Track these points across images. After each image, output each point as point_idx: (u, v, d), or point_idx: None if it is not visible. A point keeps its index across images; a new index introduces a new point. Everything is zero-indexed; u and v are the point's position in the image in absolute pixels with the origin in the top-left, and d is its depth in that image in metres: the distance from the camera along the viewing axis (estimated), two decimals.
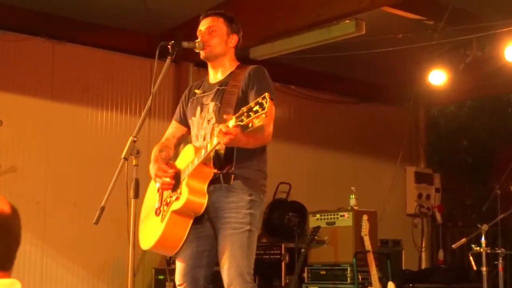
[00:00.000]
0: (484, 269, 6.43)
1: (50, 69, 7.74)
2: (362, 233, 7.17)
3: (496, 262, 6.57)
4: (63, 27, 7.75)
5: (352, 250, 7.31)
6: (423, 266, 10.33)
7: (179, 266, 3.98)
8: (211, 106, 3.99)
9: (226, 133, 3.47)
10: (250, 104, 3.38)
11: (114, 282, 7.85)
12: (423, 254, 10.51)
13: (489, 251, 6.41)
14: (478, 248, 6.40)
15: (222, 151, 3.84)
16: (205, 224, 3.91)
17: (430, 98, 10.42)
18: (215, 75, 4.11)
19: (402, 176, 10.44)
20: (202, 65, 7.92)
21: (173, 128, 4.26)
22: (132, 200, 3.49)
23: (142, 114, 3.74)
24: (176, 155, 4.22)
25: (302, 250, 7.28)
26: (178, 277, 3.98)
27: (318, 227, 7.44)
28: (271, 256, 7.80)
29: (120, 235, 6.99)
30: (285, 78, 9.06)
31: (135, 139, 3.54)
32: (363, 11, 6.94)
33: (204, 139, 3.95)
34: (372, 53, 7.75)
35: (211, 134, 3.88)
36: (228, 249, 3.80)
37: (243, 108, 3.40)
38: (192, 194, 3.77)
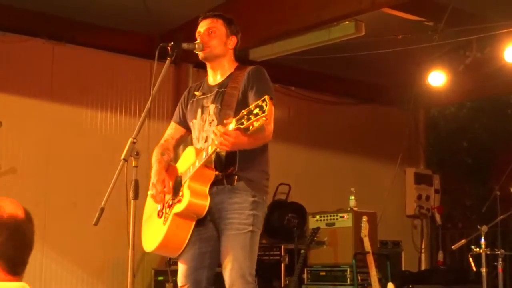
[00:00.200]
0: (483, 270, 6.44)
1: (50, 70, 7.74)
2: (362, 234, 7.18)
3: (495, 263, 6.57)
4: (63, 28, 7.75)
5: (352, 251, 7.32)
6: (423, 267, 10.33)
7: (182, 268, 3.99)
8: (211, 108, 4.00)
9: (226, 139, 3.49)
10: (250, 107, 3.39)
11: (114, 283, 7.85)
12: (423, 255, 10.51)
13: (488, 252, 6.42)
14: (477, 249, 6.41)
15: (223, 153, 3.85)
16: (207, 226, 3.92)
17: (430, 99, 10.41)
18: (214, 77, 4.12)
19: (401, 177, 10.44)
20: (201, 66, 7.90)
21: (172, 130, 4.27)
22: (132, 201, 3.49)
23: (142, 115, 3.75)
24: (175, 156, 4.23)
25: (302, 251, 7.28)
26: (180, 279, 3.99)
27: (318, 228, 7.44)
28: (271, 257, 7.80)
29: (119, 236, 6.98)
30: (285, 79, 9.07)
31: (134, 140, 3.55)
32: (363, 12, 6.94)
33: (205, 141, 3.96)
34: (372, 54, 7.75)
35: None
36: (231, 250, 3.81)
37: (243, 111, 3.41)
38: (194, 196, 3.77)
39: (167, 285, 7.58)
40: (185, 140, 4.31)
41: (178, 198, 3.85)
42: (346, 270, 7.40)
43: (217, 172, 3.85)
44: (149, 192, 3.98)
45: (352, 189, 7.69)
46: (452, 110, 13.86)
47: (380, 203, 8.79)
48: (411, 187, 10.53)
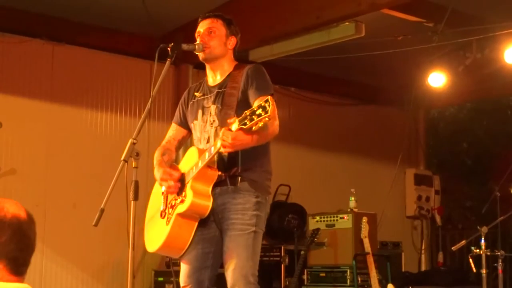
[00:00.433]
0: (483, 271, 6.43)
1: (50, 71, 7.74)
2: (362, 235, 7.18)
3: (495, 264, 6.56)
4: (63, 29, 7.75)
5: (352, 252, 7.32)
6: (423, 268, 10.33)
7: (184, 268, 3.99)
8: (212, 108, 4.01)
9: (227, 140, 3.51)
10: (253, 107, 3.41)
11: (114, 284, 7.84)
12: (423, 256, 10.51)
13: (488, 253, 6.41)
14: (477, 250, 6.40)
15: (226, 154, 3.85)
16: (210, 226, 3.93)
17: (430, 100, 10.42)
18: (214, 77, 4.12)
19: (401, 178, 10.44)
20: (201, 67, 7.89)
21: (174, 131, 4.27)
22: (132, 202, 3.50)
23: (142, 116, 3.75)
24: (176, 158, 4.23)
25: (302, 252, 7.28)
26: (183, 279, 4.00)
27: (318, 229, 7.44)
28: (271, 258, 7.80)
29: (119, 237, 7.01)
30: (284, 80, 9.07)
31: (134, 141, 3.55)
32: (363, 13, 6.94)
33: (207, 142, 3.96)
34: (372, 55, 7.75)
35: (215, 137, 3.89)
36: (233, 250, 3.82)
37: (246, 112, 3.42)
38: (197, 197, 3.78)
39: (167, 286, 7.59)
40: (186, 140, 4.32)
41: (181, 198, 3.85)
42: (346, 271, 7.40)
43: (220, 173, 3.85)
44: (162, 188, 3.97)
45: (352, 190, 7.69)
46: (452, 111, 13.87)
47: (380, 204, 8.80)
48: (411, 188, 10.53)
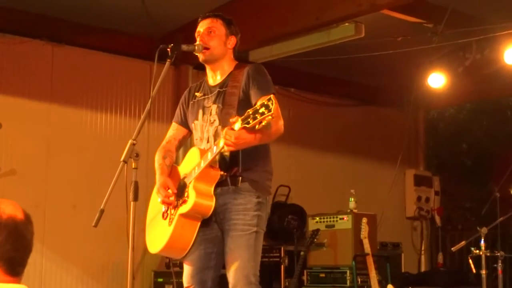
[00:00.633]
0: (483, 272, 6.43)
1: (50, 71, 7.74)
2: (362, 236, 7.18)
3: (495, 265, 6.56)
4: (63, 30, 7.75)
5: (352, 253, 7.32)
6: (423, 269, 10.33)
7: (187, 269, 4.00)
8: (213, 108, 4.01)
9: (235, 141, 3.52)
10: (256, 106, 3.41)
11: (113, 285, 7.84)
12: (423, 257, 10.51)
13: (488, 254, 6.41)
14: (477, 251, 6.40)
15: (227, 153, 3.85)
16: (212, 226, 3.93)
17: (430, 101, 10.42)
18: (214, 77, 4.12)
19: (401, 179, 10.45)
20: (201, 68, 7.87)
21: (174, 130, 4.27)
22: (132, 202, 3.49)
23: (142, 117, 3.75)
24: (176, 158, 4.23)
25: (302, 253, 7.28)
26: (186, 279, 4.00)
27: (318, 230, 7.45)
28: (271, 259, 7.80)
29: (119, 238, 7.00)
30: (284, 81, 9.06)
31: (134, 142, 3.54)
32: (362, 14, 6.94)
33: (208, 142, 3.96)
34: (372, 56, 7.75)
35: (215, 137, 3.90)
36: (235, 251, 3.82)
37: (248, 110, 3.42)
38: (200, 197, 3.79)
39: (166, 286, 7.59)
40: (187, 140, 4.32)
41: (183, 199, 3.85)
42: (345, 272, 7.40)
43: (222, 172, 3.85)
44: (158, 200, 3.98)
45: (352, 190, 7.69)
46: (451, 111, 13.87)
47: (380, 205, 8.80)
48: (411, 189, 10.53)
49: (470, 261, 6.49)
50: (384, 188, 9.71)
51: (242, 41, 4.21)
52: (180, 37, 7.26)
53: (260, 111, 3.36)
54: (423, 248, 10.52)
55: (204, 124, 4.03)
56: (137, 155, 3.52)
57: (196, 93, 4.16)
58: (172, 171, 4.05)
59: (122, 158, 3.49)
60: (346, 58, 7.95)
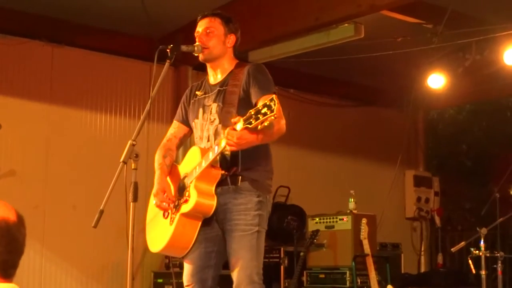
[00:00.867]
0: (483, 272, 6.43)
1: (49, 72, 7.74)
2: (361, 237, 7.18)
3: (495, 266, 6.56)
4: (62, 31, 7.75)
5: (351, 254, 7.32)
6: (422, 269, 10.32)
7: (187, 267, 4.00)
8: (213, 107, 4.01)
9: (237, 141, 3.53)
10: (258, 106, 3.40)
11: (113, 285, 7.84)
12: (422, 258, 10.51)
13: (488, 254, 6.41)
14: (477, 251, 6.41)
15: (228, 153, 3.85)
16: (213, 225, 3.94)
17: (429, 102, 10.42)
18: (215, 76, 4.12)
19: (401, 180, 10.45)
20: (201, 68, 7.91)
21: (175, 128, 4.27)
22: (131, 203, 3.49)
23: (141, 117, 3.75)
24: (176, 157, 4.23)
25: (301, 254, 7.27)
26: (186, 278, 4.01)
27: (317, 231, 7.44)
28: (270, 260, 7.78)
29: (119, 239, 7.01)
30: (284, 81, 9.05)
31: (134, 142, 3.55)
32: (362, 15, 6.93)
33: (208, 141, 3.97)
34: (371, 56, 7.75)
35: (215, 135, 3.90)
36: (238, 252, 3.83)
37: (250, 111, 3.42)
38: (201, 196, 3.79)
39: (166, 287, 7.58)
40: (188, 138, 4.32)
41: (185, 198, 3.85)
42: (345, 273, 7.39)
43: (223, 172, 3.85)
44: (153, 203, 3.99)
45: (352, 191, 7.69)
46: (451, 112, 13.86)
47: (379, 206, 8.80)
48: (411, 190, 10.53)
49: (470, 261, 6.49)
50: (384, 189, 9.71)
51: (242, 41, 4.20)
52: (179, 37, 7.26)
53: (263, 111, 3.36)
54: (422, 249, 10.51)
55: (204, 122, 4.03)
56: (137, 156, 3.52)
57: (197, 92, 4.17)
58: (172, 170, 4.06)
59: (121, 159, 3.50)
60: (345, 59, 7.95)
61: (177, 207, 3.90)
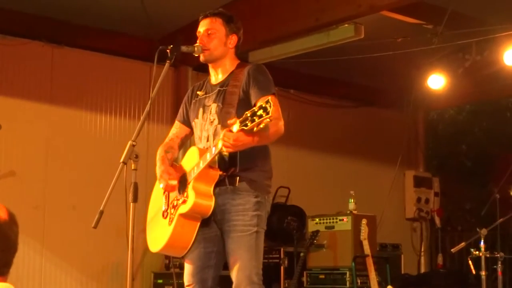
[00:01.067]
0: (483, 273, 6.43)
1: (49, 73, 7.74)
2: (361, 237, 7.18)
3: (495, 266, 6.56)
4: (62, 31, 7.75)
5: (351, 254, 7.31)
6: (422, 270, 10.32)
7: (188, 267, 4.01)
8: (213, 107, 4.01)
9: (233, 143, 3.53)
10: (254, 108, 3.40)
11: (113, 286, 7.84)
12: (422, 258, 10.51)
13: (488, 255, 6.41)
14: (477, 252, 6.40)
15: (226, 153, 3.85)
16: (211, 226, 3.94)
17: (429, 102, 10.42)
18: (216, 76, 4.13)
19: (401, 180, 10.44)
20: (201, 69, 7.93)
21: (177, 129, 4.28)
22: (131, 204, 3.49)
23: (141, 118, 3.75)
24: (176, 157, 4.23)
25: (301, 254, 7.27)
26: (187, 278, 4.02)
27: (317, 231, 7.44)
28: (270, 260, 7.78)
29: (119, 239, 7.02)
30: (284, 82, 9.05)
31: (134, 143, 3.55)
32: (362, 16, 6.94)
33: (207, 141, 3.97)
34: (371, 57, 7.75)
35: (215, 135, 3.90)
36: (236, 252, 3.83)
37: (246, 112, 3.41)
38: (199, 197, 3.79)
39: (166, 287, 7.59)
40: (189, 138, 4.32)
41: (183, 198, 3.86)
42: (345, 273, 7.39)
43: (221, 172, 3.86)
44: (160, 185, 3.99)
45: (352, 192, 7.68)
46: (451, 113, 13.87)
47: (379, 206, 8.80)
48: (411, 190, 10.53)
49: (470, 262, 6.49)
50: (384, 189, 9.71)
51: (242, 42, 4.19)
52: (179, 38, 7.23)
53: (258, 113, 3.36)
54: (422, 249, 10.51)
55: (204, 122, 4.04)
56: (137, 157, 3.52)
57: (198, 92, 4.18)
58: (173, 167, 4.06)
59: (121, 159, 3.50)
60: (346, 59, 7.95)
61: (176, 207, 3.90)
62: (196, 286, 3.98)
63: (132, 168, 3.52)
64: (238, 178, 3.88)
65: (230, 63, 4.10)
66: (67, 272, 7.64)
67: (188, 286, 4.01)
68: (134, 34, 8.17)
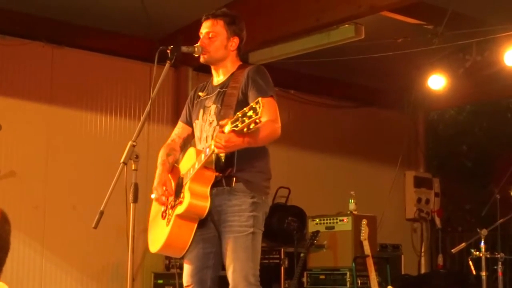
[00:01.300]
0: (483, 273, 6.43)
1: (49, 73, 7.74)
2: (362, 238, 7.17)
3: (495, 267, 6.56)
4: (62, 32, 7.75)
5: (352, 255, 7.31)
6: (423, 270, 10.32)
7: (187, 268, 4.01)
8: (212, 108, 4.01)
9: (225, 144, 3.51)
10: (245, 109, 3.39)
11: (113, 286, 7.84)
12: (423, 259, 10.50)
13: (488, 255, 6.41)
14: (477, 252, 6.40)
15: (223, 154, 3.85)
16: (209, 226, 3.94)
17: (430, 103, 10.42)
18: (217, 77, 4.13)
19: (401, 181, 10.44)
20: (201, 70, 7.94)
21: (180, 129, 4.29)
22: (131, 204, 3.50)
23: (142, 118, 3.75)
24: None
25: (302, 255, 7.27)
26: (186, 278, 4.02)
27: (318, 232, 7.44)
28: (270, 261, 7.79)
29: (119, 240, 7.02)
30: (284, 82, 9.05)
31: (134, 143, 3.55)
32: (362, 16, 6.94)
33: (206, 142, 3.98)
34: (372, 57, 7.75)
35: (213, 137, 3.90)
36: (233, 252, 3.82)
37: (238, 113, 3.42)
38: (194, 198, 3.79)
39: None
40: (192, 139, 4.32)
41: (180, 199, 3.86)
42: (345, 274, 7.39)
43: (217, 173, 3.85)
44: (152, 196, 3.99)
45: (352, 192, 7.68)
46: (451, 113, 13.87)
47: (379, 207, 8.80)
48: (411, 191, 10.52)
49: (470, 263, 6.49)
50: (384, 190, 9.71)
51: None
52: (180, 38, 7.24)
53: (248, 114, 3.35)
54: (423, 250, 10.51)
55: (204, 123, 4.04)
56: (137, 157, 3.52)
57: (199, 93, 4.18)
58: (173, 169, 4.07)
59: (122, 160, 3.50)
60: (346, 60, 7.95)
61: (173, 208, 3.91)
62: (195, 287, 3.98)
63: (133, 168, 3.52)
64: (234, 179, 3.87)
65: (231, 65, 4.09)
66: (67, 272, 7.64)
67: (187, 286, 4.01)
68: (134, 34, 8.17)
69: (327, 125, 9.93)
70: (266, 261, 7.77)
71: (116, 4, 7.43)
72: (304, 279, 7.71)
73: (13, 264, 7.04)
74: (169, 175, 4.04)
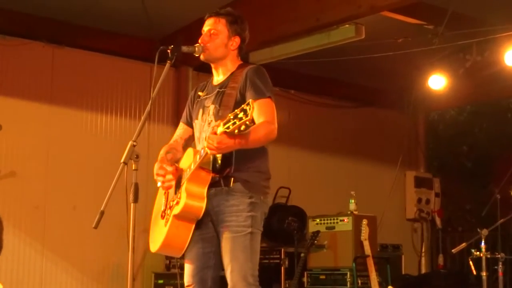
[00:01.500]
0: (484, 274, 6.43)
1: (50, 73, 7.74)
2: (362, 238, 7.17)
3: (496, 267, 6.56)
4: (63, 32, 7.76)
5: (352, 255, 7.31)
6: (423, 271, 10.32)
7: (188, 267, 4.01)
8: (211, 108, 4.01)
9: (217, 145, 3.52)
10: (236, 110, 3.39)
11: (114, 286, 7.84)
12: (423, 259, 10.50)
13: (489, 255, 6.41)
14: (478, 252, 6.40)
15: (219, 155, 3.84)
16: (208, 226, 3.93)
17: (430, 103, 10.42)
18: (217, 77, 4.13)
19: (401, 181, 10.44)
20: (201, 70, 7.94)
21: (181, 130, 4.29)
22: (132, 204, 3.49)
23: (142, 118, 3.75)
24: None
25: (302, 255, 7.27)
26: (186, 278, 4.02)
27: (318, 232, 7.44)
28: (271, 261, 7.79)
29: (119, 240, 7.01)
30: (284, 82, 9.06)
31: (134, 143, 3.55)
32: (362, 16, 6.93)
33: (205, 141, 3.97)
34: (372, 57, 7.75)
35: None
36: (231, 253, 3.82)
37: (229, 115, 3.42)
38: (190, 198, 3.78)
39: None
40: (193, 140, 4.31)
41: (177, 200, 3.86)
42: (346, 274, 7.39)
43: (213, 174, 3.85)
44: (158, 184, 4.00)
45: (352, 192, 7.68)
46: (452, 113, 13.88)
47: (380, 207, 8.79)
48: (411, 191, 10.52)
49: (471, 263, 6.49)
50: (385, 190, 9.71)
51: None
52: (180, 38, 7.23)
53: (239, 116, 3.34)
54: (423, 250, 10.51)
55: (203, 123, 4.04)
56: (137, 157, 3.52)
57: (199, 93, 4.17)
58: (176, 169, 4.06)
59: (122, 160, 3.50)
60: (346, 60, 7.95)
61: (171, 208, 3.91)
62: (196, 287, 3.98)
63: (133, 168, 3.51)
64: (232, 179, 3.86)
65: (231, 64, 4.08)
66: (68, 272, 7.65)
67: (188, 286, 4.01)
68: (135, 34, 8.17)
69: (327, 125, 9.93)
70: (267, 261, 7.77)
71: (117, 4, 7.43)
72: (305, 279, 7.71)
73: (13, 264, 7.04)
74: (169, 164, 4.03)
